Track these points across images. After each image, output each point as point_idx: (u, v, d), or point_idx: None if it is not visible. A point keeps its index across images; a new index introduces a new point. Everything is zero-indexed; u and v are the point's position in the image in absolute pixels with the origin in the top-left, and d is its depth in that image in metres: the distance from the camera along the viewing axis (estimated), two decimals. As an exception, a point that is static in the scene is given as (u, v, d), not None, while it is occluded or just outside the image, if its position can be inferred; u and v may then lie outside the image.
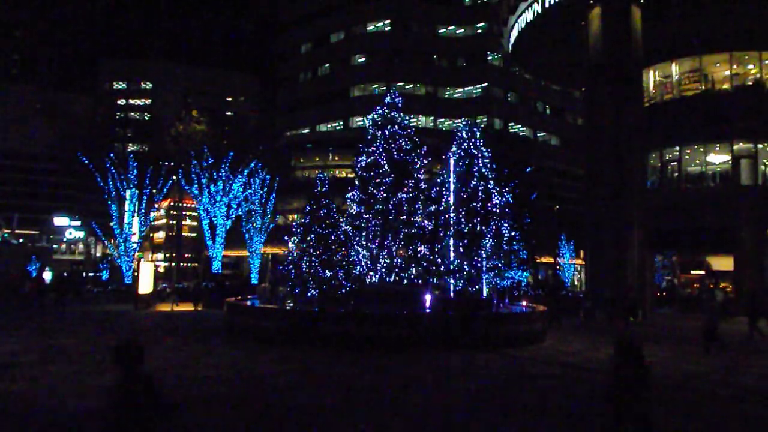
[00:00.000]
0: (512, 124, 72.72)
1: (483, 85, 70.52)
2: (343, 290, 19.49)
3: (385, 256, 19.73)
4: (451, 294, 20.11)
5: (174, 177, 36.76)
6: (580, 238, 43.70)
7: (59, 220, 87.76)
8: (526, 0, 35.52)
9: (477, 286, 20.20)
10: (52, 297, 28.76)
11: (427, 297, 19.02)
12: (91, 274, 58.81)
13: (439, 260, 19.86)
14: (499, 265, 20.30)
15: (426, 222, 20.13)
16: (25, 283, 35.14)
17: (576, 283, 54.82)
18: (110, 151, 40.13)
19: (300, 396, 10.08)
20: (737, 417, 9.57)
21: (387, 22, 71.71)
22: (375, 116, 20.86)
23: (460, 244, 20.13)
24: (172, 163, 40.73)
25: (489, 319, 17.77)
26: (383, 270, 19.66)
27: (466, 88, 71.01)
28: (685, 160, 35.72)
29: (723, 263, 34.47)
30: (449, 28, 72.21)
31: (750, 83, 35.17)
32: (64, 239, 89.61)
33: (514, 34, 38.74)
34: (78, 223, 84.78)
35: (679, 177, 35.74)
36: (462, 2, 72.57)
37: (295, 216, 52.15)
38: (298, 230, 20.27)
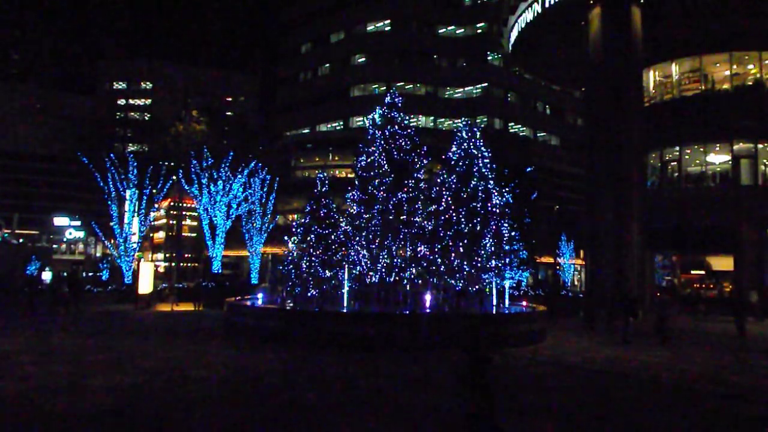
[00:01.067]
0: (512, 124, 72.76)
1: (483, 85, 70.53)
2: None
3: (385, 256, 19.73)
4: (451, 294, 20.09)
5: (174, 177, 36.69)
6: (580, 238, 43.66)
7: (59, 220, 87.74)
8: (526, 0, 35.52)
9: (477, 286, 20.19)
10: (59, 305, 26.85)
11: (427, 297, 19.03)
12: (90, 274, 58.75)
13: (439, 260, 19.84)
14: (500, 265, 20.28)
15: (426, 222, 20.12)
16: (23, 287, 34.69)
17: (576, 283, 54.79)
18: (110, 151, 40.07)
19: (300, 396, 10.08)
20: (733, 416, 9.57)
21: (387, 22, 71.73)
22: (375, 116, 20.88)
23: (460, 244, 20.11)
24: (172, 163, 40.67)
25: (489, 319, 17.77)
26: (383, 270, 19.66)
27: (466, 88, 71.02)
28: (685, 160, 35.73)
29: (723, 263, 34.49)
30: (449, 28, 72.23)
31: (750, 83, 35.18)
32: (64, 239, 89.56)
33: (514, 34, 38.75)
34: (78, 223, 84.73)
35: (679, 177, 35.74)
36: (462, 2, 72.58)
37: (295, 216, 52.16)
38: (299, 230, 20.26)
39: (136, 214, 34.61)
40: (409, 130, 20.79)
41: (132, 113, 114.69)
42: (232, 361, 13.47)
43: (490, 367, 6.83)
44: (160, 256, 64.85)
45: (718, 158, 35.19)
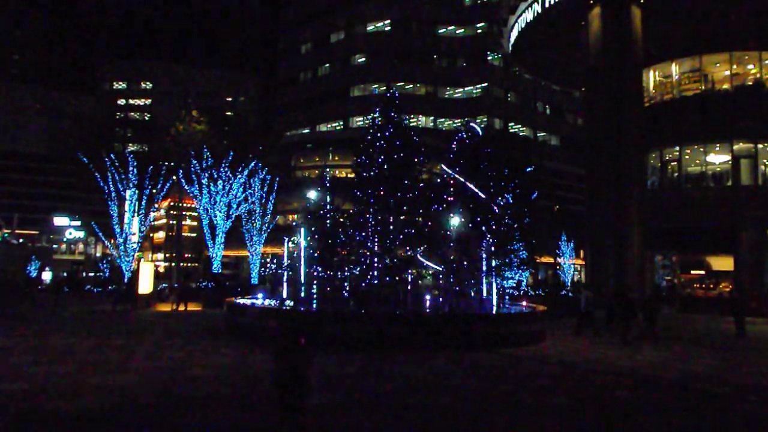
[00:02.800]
0: (512, 124, 72.74)
1: (483, 85, 70.52)
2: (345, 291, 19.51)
3: (385, 256, 19.73)
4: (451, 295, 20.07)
5: (174, 177, 36.69)
6: (580, 238, 43.67)
7: (59, 220, 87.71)
8: (526, 0, 35.53)
9: (477, 287, 20.19)
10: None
11: (427, 297, 19.04)
12: (91, 274, 58.79)
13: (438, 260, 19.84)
14: (499, 264, 20.27)
15: (426, 222, 20.12)
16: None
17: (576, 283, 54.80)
18: (110, 151, 40.04)
19: (300, 396, 10.08)
20: (735, 416, 9.57)
21: (387, 22, 71.73)
22: (375, 116, 20.91)
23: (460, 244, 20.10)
24: (172, 163, 40.66)
25: (489, 319, 17.77)
26: (383, 270, 19.66)
27: (466, 88, 71.02)
28: (685, 160, 35.72)
29: (723, 263, 34.47)
30: (449, 28, 72.23)
31: (750, 83, 35.17)
32: (64, 239, 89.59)
33: (514, 34, 38.75)
34: (78, 223, 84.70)
35: (679, 177, 35.73)
36: (462, 2, 72.58)
37: (295, 216, 52.17)
38: (298, 231, 20.26)
39: (136, 214, 34.59)
40: (408, 130, 20.80)
41: (132, 113, 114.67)
42: (232, 362, 13.47)
43: (305, 391, 6.87)
44: (160, 256, 64.91)
45: (718, 158, 35.18)
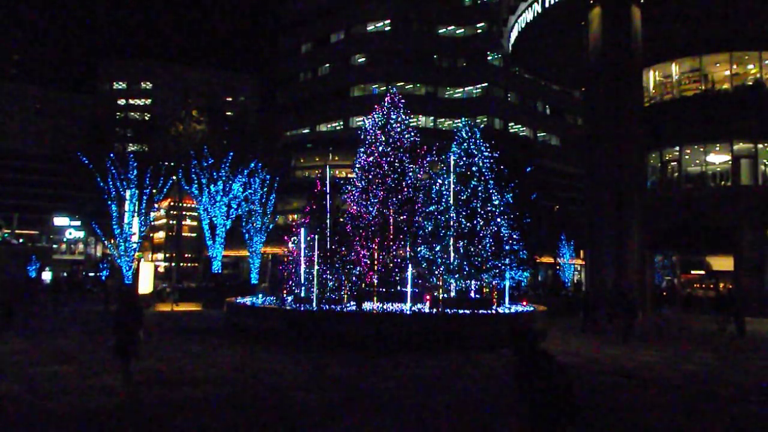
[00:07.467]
0: (512, 124, 72.73)
1: (483, 85, 70.49)
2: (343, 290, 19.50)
3: (385, 256, 19.73)
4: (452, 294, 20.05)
5: (174, 177, 36.70)
6: (580, 238, 43.66)
7: (59, 220, 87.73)
8: (526, 0, 35.48)
9: (477, 286, 20.17)
10: None
11: (427, 297, 19.02)
12: (91, 274, 58.76)
13: (439, 260, 19.81)
14: (499, 264, 20.25)
15: (426, 222, 20.11)
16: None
17: (576, 282, 54.77)
18: (110, 151, 40.06)
19: (300, 396, 10.08)
20: (736, 417, 9.57)
21: (387, 22, 71.70)
22: (375, 116, 20.92)
23: (460, 244, 20.09)
24: (172, 163, 40.69)
25: (489, 319, 17.76)
26: (383, 270, 19.66)
27: (466, 88, 70.99)
28: (685, 160, 35.70)
29: (723, 263, 34.46)
30: (449, 28, 72.20)
31: (750, 83, 35.15)
32: (64, 239, 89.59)
33: (514, 34, 38.70)
34: (78, 223, 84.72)
35: (679, 177, 35.72)
36: (462, 2, 72.55)
37: (295, 216, 52.20)
38: (298, 230, 20.26)
39: (136, 214, 34.58)
40: (409, 130, 20.82)
41: (132, 113, 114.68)
42: (232, 362, 13.47)
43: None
44: (160, 256, 64.92)
45: (718, 158, 35.17)
